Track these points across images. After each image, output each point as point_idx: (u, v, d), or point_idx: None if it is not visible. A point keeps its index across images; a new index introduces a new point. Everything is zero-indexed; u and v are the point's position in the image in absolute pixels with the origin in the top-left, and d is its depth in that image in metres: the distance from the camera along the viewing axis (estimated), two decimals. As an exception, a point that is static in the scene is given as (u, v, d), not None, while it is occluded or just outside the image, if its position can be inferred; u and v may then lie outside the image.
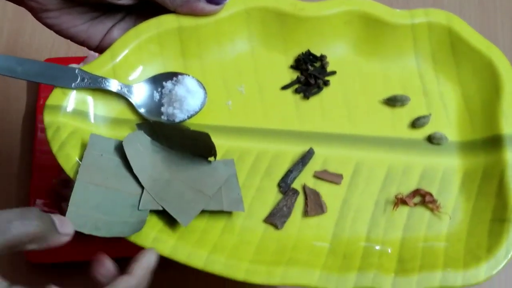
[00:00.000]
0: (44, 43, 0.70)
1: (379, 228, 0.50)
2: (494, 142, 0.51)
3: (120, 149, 0.49)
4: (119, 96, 0.52)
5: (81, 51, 0.60)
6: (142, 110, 0.52)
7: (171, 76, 0.53)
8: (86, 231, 0.45)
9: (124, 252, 0.49)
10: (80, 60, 0.71)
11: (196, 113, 0.52)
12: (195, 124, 0.52)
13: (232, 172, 0.50)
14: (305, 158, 0.51)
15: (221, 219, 0.49)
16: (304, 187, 0.51)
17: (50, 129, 0.49)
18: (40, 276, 0.63)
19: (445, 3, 0.69)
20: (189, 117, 0.52)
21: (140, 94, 0.52)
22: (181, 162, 0.50)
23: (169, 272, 0.58)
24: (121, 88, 0.51)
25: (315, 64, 0.55)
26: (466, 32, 0.54)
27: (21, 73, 0.49)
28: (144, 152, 0.49)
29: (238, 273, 0.46)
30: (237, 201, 0.48)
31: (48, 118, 0.49)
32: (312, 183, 0.51)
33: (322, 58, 0.55)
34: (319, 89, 0.54)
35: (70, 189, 0.47)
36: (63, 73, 0.50)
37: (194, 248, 0.46)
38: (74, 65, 0.65)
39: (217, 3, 0.52)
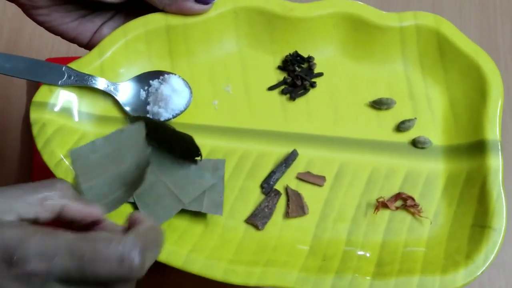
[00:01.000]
0: (44, 43, 0.71)
1: (360, 231, 0.50)
2: (478, 147, 0.51)
3: (104, 142, 0.48)
4: (106, 94, 0.52)
5: (81, 51, 0.60)
6: (128, 108, 0.52)
7: (157, 74, 0.53)
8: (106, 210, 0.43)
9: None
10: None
11: (181, 112, 0.52)
12: (180, 123, 0.53)
13: (220, 175, 0.50)
14: (289, 159, 0.51)
15: (203, 218, 0.50)
16: (286, 189, 0.51)
17: (36, 126, 0.50)
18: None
19: (445, 3, 0.69)
20: (174, 116, 0.52)
21: (127, 92, 0.52)
22: (168, 163, 0.50)
23: (170, 277, 0.58)
24: (108, 86, 0.52)
25: (303, 65, 0.55)
26: (454, 35, 0.54)
27: (9, 69, 0.50)
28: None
29: (216, 273, 0.46)
30: (217, 204, 0.49)
31: (34, 114, 0.50)
32: (294, 185, 0.51)
33: (309, 60, 0.55)
34: (306, 90, 0.54)
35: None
36: (50, 70, 0.51)
37: (174, 247, 0.47)
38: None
39: (205, 3, 0.53)
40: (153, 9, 0.53)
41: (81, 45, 0.55)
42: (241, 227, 0.50)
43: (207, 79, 0.54)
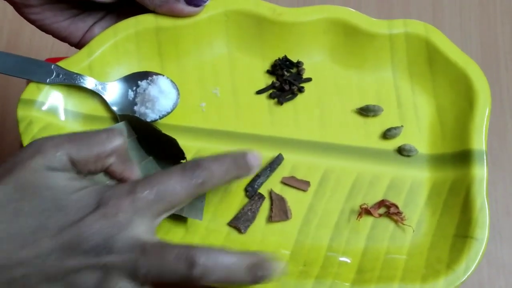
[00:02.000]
0: (44, 44, 0.71)
1: (342, 237, 0.50)
2: (463, 157, 0.51)
3: None
4: (94, 93, 0.52)
5: None
6: (115, 108, 0.52)
7: (146, 75, 0.53)
8: None
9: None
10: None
11: (168, 113, 0.52)
12: (167, 124, 0.53)
13: None
14: (274, 163, 0.52)
15: (185, 220, 0.50)
16: (270, 193, 0.51)
17: (23, 123, 0.50)
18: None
19: (445, 3, 0.68)
20: (160, 117, 0.52)
21: (115, 92, 0.53)
22: (150, 164, 0.50)
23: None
24: (96, 86, 0.52)
25: (291, 70, 0.55)
26: (443, 44, 0.54)
27: None
28: None
29: (196, 275, 0.46)
30: (198, 209, 0.49)
31: (21, 112, 0.50)
32: (279, 189, 0.51)
33: (298, 65, 0.55)
34: (293, 95, 0.54)
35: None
36: (38, 68, 0.51)
37: (155, 248, 0.47)
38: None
39: (196, 5, 0.53)
40: (145, 10, 0.53)
41: (72, 44, 0.55)
42: (224, 230, 0.50)
43: (196, 81, 0.54)
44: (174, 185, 0.39)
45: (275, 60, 0.55)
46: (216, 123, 0.53)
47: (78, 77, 0.51)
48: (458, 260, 0.47)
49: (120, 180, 0.43)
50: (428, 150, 0.53)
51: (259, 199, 0.51)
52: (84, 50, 0.52)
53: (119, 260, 0.37)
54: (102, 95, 0.52)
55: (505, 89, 0.63)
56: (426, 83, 0.54)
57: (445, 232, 0.49)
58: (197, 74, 0.55)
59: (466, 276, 0.47)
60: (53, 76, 0.51)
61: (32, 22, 0.53)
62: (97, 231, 0.37)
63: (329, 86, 0.55)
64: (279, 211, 0.50)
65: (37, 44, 0.68)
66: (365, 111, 0.54)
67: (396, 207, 0.50)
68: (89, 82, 0.52)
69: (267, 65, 0.55)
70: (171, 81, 0.53)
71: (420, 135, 0.53)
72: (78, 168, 0.40)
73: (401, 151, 0.52)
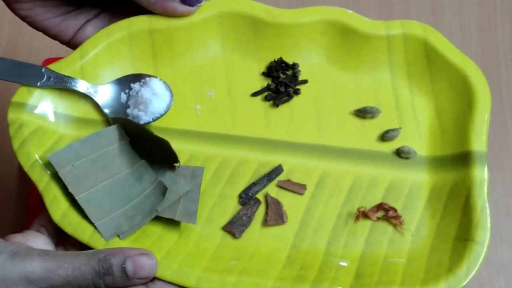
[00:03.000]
0: (44, 45, 0.70)
1: (340, 241, 0.49)
2: (463, 159, 0.50)
3: (85, 147, 0.48)
4: (86, 96, 0.51)
5: None
6: (107, 111, 0.51)
7: (139, 78, 0.52)
8: (123, 237, 0.46)
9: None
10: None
11: (161, 115, 0.51)
12: (161, 127, 0.52)
13: (197, 182, 0.49)
14: (272, 173, 0.50)
15: (179, 224, 0.48)
16: (266, 196, 0.50)
17: (13, 126, 0.49)
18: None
19: (445, 3, 0.68)
20: (154, 120, 0.51)
21: (107, 95, 0.52)
22: (143, 168, 0.49)
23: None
24: (88, 89, 0.51)
25: (287, 72, 0.54)
26: (442, 45, 0.53)
27: None
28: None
29: (189, 281, 0.45)
30: (191, 212, 0.47)
31: (12, 115, 0.49)
32: (275, 192, 0.50)
33: (294, 66, 0.54)
34: (289, 97, 0.53)
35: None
36: (29, 71, 0.50)
37: (147, 253, 0.46)
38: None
39: (191, 5, 0.52)
40: (139, 9, 0.52)
41: (63, 42, 0.54)
42: (218, 234, 0.49)
43: (190, 84, 0.54)
44: None
45: (271, 62, 0.54)
46: (211, 126, 0.52)
47: (69, 80, 0.50)
48: (459, 263, 0.46)
49: None
50: (427, 152, 0.51)
51: (255, 204, 0.50)
52: (77, 52, 0.52)
53: None
54: (94, 98, 0.51)
55: (505, 89, 0.62)
56: (424, 84, 0.53)
57: (445, 235, 0.48)
58: (192, 76, 0.54)
59: (467, 280, 0.46)
60: (44, 79, 0.50)
61: (22, 18, 0.52)
62: None
63: (326, 88, 0.54)
64: (275, 215, 0.49)
65: (37, 44, 0.68)
66: (363, 113, 0.53)
67: (395, 210, 0.49)
68: (81, 85, 0.51)
69: (262, 67, 0.54)
70: (165, 83, 0.52)
71: (419, 137, 0.52)
72: None
73: (400, 153, 0.51)
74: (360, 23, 0.53)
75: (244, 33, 0.54)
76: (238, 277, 0.45)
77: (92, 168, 0.48)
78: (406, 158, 0.51)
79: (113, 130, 0.49)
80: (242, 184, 0.50)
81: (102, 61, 0.52)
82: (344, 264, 0.47)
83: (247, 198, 0.50)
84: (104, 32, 0.52)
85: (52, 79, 0.50)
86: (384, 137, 0.52)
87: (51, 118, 0.50)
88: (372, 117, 0.53)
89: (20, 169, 0.67)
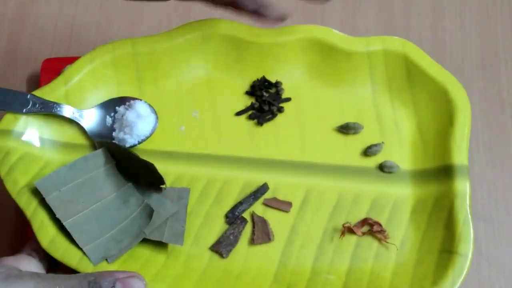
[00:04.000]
0: (44, 44, 0.70)
1: (326, 257, 0.49)
2: (445, 172, 0.50)
3: (71, 172, 0.49)
4: (71, 120, 0.52)
5: (81, 51, 0.59)
6: (93, 135, 0.52)
7: (123, 101, 0.53)
8: (111, 261, 0.46)
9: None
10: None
11: (147, 138, 0.52)
12: (146, 149, 0.52)
13: (183, 204, 0.50)
14: (258, 192, 0.51)
15: (166, 245, 0.49)
16: (252, 215, 0.51)
17: (0, 154, 0.49)
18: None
19: (445, 3, 0.68)
20: (139, 142, 0.52)
21: (92, 119, 0.52)
22: (129, 191, 0.50)
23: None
24: (73, 113, 0.52)
25: (270, 91, 0.55)
26: (421, 60, 0.54)
27: None
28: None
29: (178, 302, 0.46)
30: (178, 234, 0.48)
31: (-2, 142, 0.50)
32: (261, 211, 0.51)
33: (277, 85, 0.55)
34: (273, 115, 0.54)
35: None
36: (14, 98, 0.51)
37: (135, 275, 0.46)
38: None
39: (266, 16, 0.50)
40: None
41: None
42: (206, 254, 0.49)
43: (175, 105, 0.54)
44: None
45: (254, 81, 0.55)
46: (196, 147, 0.53)
47: (54, 105, 0.51)
48: (444, 276, 0.47)
49: None
50: (410, 166, 0.52)
51: (241, 223, 0.50)
52: (60, 78, 0.52)
53: None
54: (80, 123, 0.52)
55: (505, 89, 0.62)
56: (405, 98, 0.54)
57: (430, 249, 0.49)
58: (176, 97, 0.54)
59: (452, 293, 0.46)
60: (30, 105, 0.51)
61: None
62: None
63: (309, 105, 0.54)
64: (261, 233, 0.50)
65: (37, 44, 0.68)
66: (345, 129, 0.53)
67: (380, 225, 0.50)
68: (66, 110, 0.51)
69: (246, 86, 0.55)
70: (149, 105, 0.53)
71: (401, 151, 0.53)
72: None
73: (383, 168, 0.52)
74: (341, 40, 0.54)
75: (227, 53, 0.55)
76: (226, 297, 0.46)
77: (79, 192, 0.48)
78: (389, 172, 0.52)
79: (99, 154, 0.50)
80: (228, 203, 0.51)
81: (86, 86, 0.53)
82: (331, 279, 0.48)
83: (233, 217, 0.50)
84: (87, 57, 0.53)
85: (37, 105, 0.51)
86: (367, 152, 0.53)
87: (38, 144, 0.51)
88: (355, 132, 0.53)
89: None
